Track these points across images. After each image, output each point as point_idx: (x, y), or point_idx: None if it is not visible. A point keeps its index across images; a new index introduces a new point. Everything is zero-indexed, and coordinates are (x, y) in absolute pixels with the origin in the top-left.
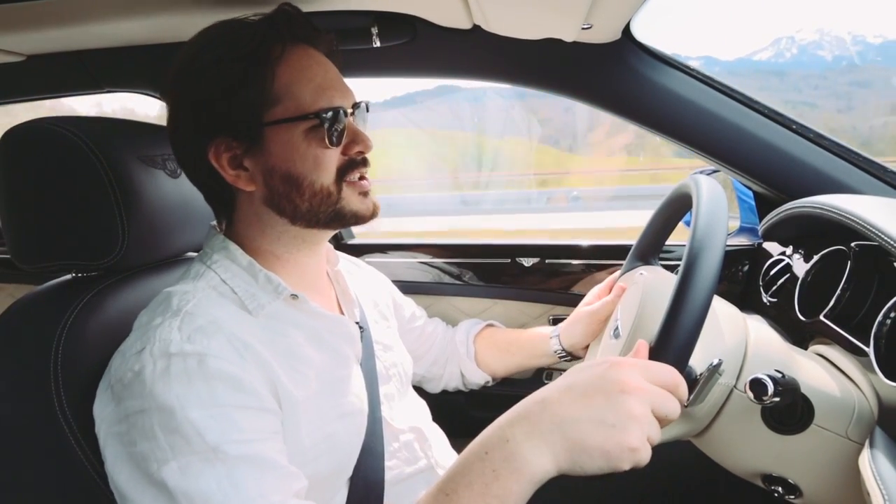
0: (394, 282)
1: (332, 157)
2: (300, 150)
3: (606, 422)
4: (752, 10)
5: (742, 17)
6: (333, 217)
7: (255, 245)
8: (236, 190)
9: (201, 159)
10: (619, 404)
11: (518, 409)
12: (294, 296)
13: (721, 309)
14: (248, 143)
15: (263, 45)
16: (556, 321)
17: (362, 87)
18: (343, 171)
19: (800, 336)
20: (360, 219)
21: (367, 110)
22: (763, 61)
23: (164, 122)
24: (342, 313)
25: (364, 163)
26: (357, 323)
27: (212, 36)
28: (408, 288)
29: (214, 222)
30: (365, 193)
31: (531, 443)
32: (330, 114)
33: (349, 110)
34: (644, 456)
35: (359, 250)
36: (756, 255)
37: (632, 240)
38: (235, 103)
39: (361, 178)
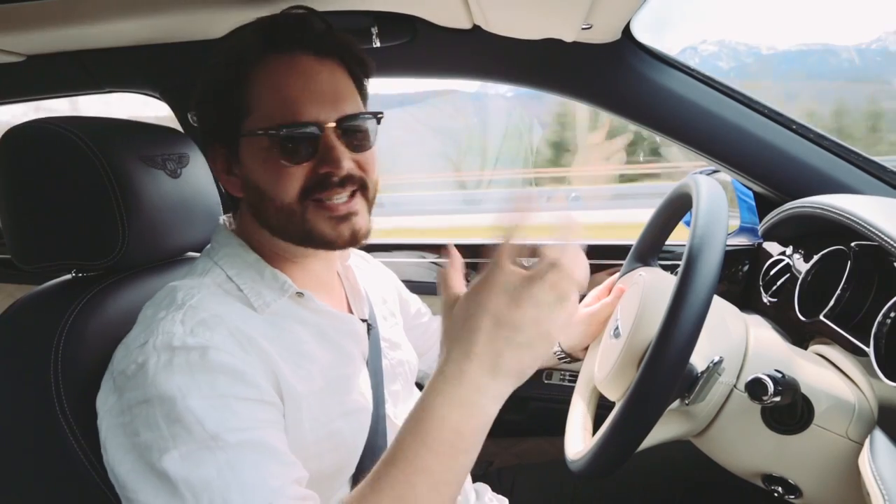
0: None
1: (295, 175)
2: (265, 164)
3: (518, 341)
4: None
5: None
6: (304, 237)
7: (259, 242)
8: None
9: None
10: (510, 323)
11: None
12: (300, 293)
13: (721, 309)
14: (231, 151)
15: (245, 54)
16: None
17: None
18: (309, 191)
19: (800, 336)
20: (329, 244)
21: (379, 122)
22: None
23: (164, 122)
24: (351, 311)
25: (339, 184)
26: (365, 320)
27: (222, 41)
28: (411, 287)
29: (222, 217)
30: (337, 218)
31: (484, 394)
32: (287, 129)
33: (331, 124)
34: (566, 311)
35: (363, 249)
36: (756, 255)
37: (631, 239)
38: (219, 110)
39: (333, 199)
